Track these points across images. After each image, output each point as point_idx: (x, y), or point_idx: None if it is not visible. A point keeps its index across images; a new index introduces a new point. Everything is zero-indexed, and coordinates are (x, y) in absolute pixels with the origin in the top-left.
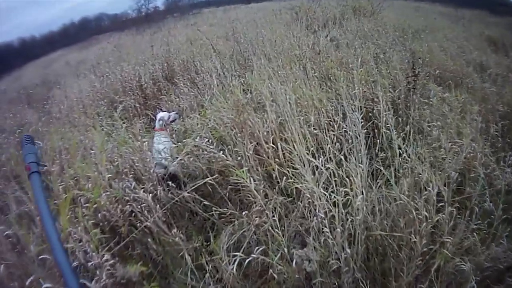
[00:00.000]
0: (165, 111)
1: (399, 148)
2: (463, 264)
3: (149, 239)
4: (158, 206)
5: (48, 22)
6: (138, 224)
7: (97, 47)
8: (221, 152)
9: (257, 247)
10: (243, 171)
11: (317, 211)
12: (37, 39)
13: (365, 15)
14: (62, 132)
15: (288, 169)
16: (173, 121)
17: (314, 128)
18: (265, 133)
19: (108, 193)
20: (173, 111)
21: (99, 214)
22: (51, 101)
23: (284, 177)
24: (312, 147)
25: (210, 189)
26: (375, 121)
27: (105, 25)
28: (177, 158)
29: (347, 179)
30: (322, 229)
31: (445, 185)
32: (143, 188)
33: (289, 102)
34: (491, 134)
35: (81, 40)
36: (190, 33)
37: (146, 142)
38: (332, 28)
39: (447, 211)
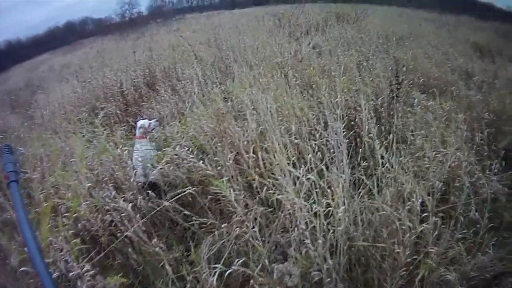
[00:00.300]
0: (145, 119)
1: (382, 157)
2: (448, 274)
3: (129, 249)
4: (138, 215)
5: (34, 25)
6: (119, 234)
7: (81, 51)
8: (201, 161)
9: (237, 259)
10: (222, 181)
11: (298, 222)
12: (23, 42)
13: (349, 22)
14: (44, 139)
15: (268, 179)
16: (153, 129)
17: (295, 138)
18: (245, 143)
19: (88, 202)
20: (154, 118)
21: (79, 224)
22: (34, 106)
23: (265, 187)
24: (293, 156)
25: (191, 199)
26: (358, 130)
27: (90, 29)
28: (157, 166)
29: (328, 189)
30: (303, 240)
31: (429, 195)
32: (123, 197)
33: (270, 111)
34: (476, 142)
35: (66, 44)
36: (173, 39)
37: (126, 151)
38: (315, 35)
39: (431, 221)
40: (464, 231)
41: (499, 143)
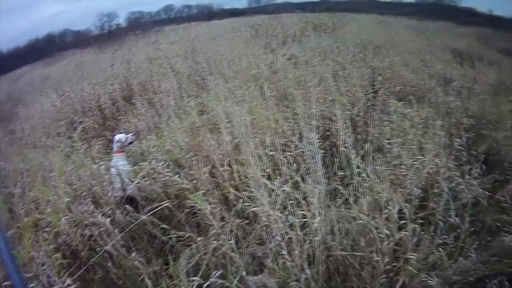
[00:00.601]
0: (122, 133)
1: (358, 167)
2: (430, 280)
3: (109, 263)
4: (116, 230)
5: (15, 37)
6: (98, 248)
7: (61, 64)
8: (177, 175)
9: (214, 271)
10: (197, 196)
11: (273, 234)
12: (4, 54)
13: (326, 31)
14: (24, 153)
15: (244, 192)
16: (130, 143)
17: (270, 150)
18: (220, 156)
19: (67, 217)
20: (131, 132)
21: (59, 239)
22: (15, 119)
23: (240, 200)
24: (268, 168)
25: (168, 212)
26: (333, 139)
27: (69, 41)
28: (134, 181)
29: (304, 200)
30: (280, 251)
31: (407, 202)
32: (101, 211)
33: (245, 124)
34: (455, 147)
35: (46, 56)
36: (151, 51)
37: (104, 165)
38: (291, 46)
39: (410, 228)
40: (444, 236)
41: (479, 147)
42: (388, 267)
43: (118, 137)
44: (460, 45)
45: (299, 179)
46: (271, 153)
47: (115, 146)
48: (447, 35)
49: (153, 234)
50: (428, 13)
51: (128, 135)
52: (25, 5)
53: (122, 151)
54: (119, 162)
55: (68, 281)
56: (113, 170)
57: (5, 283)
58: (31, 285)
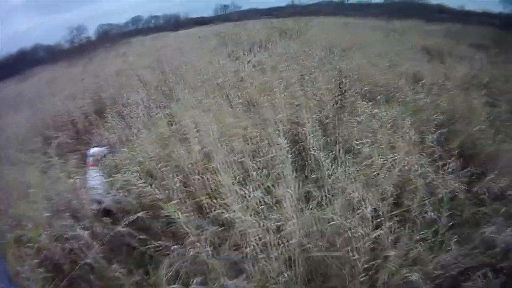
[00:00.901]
0: (96, 147)
1: (328, 169)
2: (411, 275)
3: (91, 276)
4: (95, 242)
5: None
6: (79, 261)
7: (33, 80)
8: (149, 186)
9: (193, 279)
10: (170, 205)
11: (248, 239)
12: None
13: (292, 37)
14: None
15: (216, 199)
16: (104, 156)
17: (239, 156)
18: (190, 165)
19: (47, 232)
20: (105, 146)
21: (41, 254)
22: None
23: (214, 208)
24: (239, 175)
25: (144, 223)
26: (302, 143)
27: (41, 56)
28: (109, 193)
29: (277, 204)
30: (256, 256)
31: (381, 201)
32: (80, 225)
33: (212, 132)
34: (426, 144)
35: (19, 72)
36: (119, 63)
37: (79, 179)
38: (258, 52)
39: (386, 225)
40: (422, 232)
41: (452, 142)
42: (366, 265)
43: (92, 151)
44: (429, 43)
45: (269, 184)
46: (240, 160)
47: (89, 160)
48: (416, 34)
49: (131, 245)
50: (396, 13)
51: (102, 148)
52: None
53: (96, 165)
54: (94, 175)
55: None
56: (88, 183)
57: None
58: None
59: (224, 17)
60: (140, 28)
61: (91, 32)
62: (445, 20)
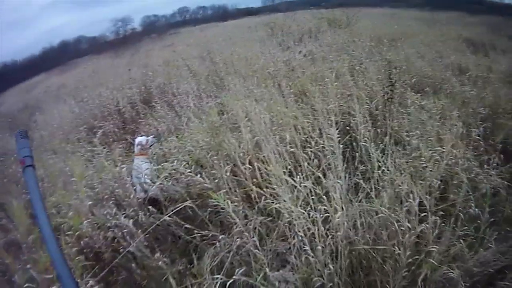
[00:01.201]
0: (143, 136)
1: (378, 160)
2: (451, 272)
3: (132, 264)
4: (139, 231)
5: (29, 46)
6: (121, 250)
7: (76, 71)
8: (199, 175)
9: (238, 269)
10: (219, 195)
11: (296, 230)
12: (19, 63)
13: (341, 27)
14: (43, 160)
15: (266, 189)
16: (151, 145)
17: (290, 146)
18: (241, 154)
19: (89, 220)
20: (151, 135)
21: (82, 242)
22: (33, 127)
23: (263, 197)
24: (289, 165)
25: (191, 212)
26: (353, 134)
27: (84, 48)
28: (156, 182)
29: (325, 196)
30: (303, 247)
31: (427, 194)
32: (124, 213)
33: (264, 121)
34: (472, 138)
35: (61, 64)
36: (167, 54)
37: (125, 168)
38: (307, 42)
39: (431, 220)
40: (465, 227)
41: (496, 137)
42: (410, 260)
43: (138, 140)
44: (472, 35)
45: (320, 174)
46: (291, 149)
47: (136, 149)
48: (459, 25)
49: (177, 234)
50: (438, 4)
51: (149, 137)
52: (37, 15)
53: (144, 154)
54: (141, 164)
55: (91, 282)
56: (134, 172)
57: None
58: (53, 287)
59: (272, 7)
60: (188, 19)
61: (136, 24)
62: (486, 12)
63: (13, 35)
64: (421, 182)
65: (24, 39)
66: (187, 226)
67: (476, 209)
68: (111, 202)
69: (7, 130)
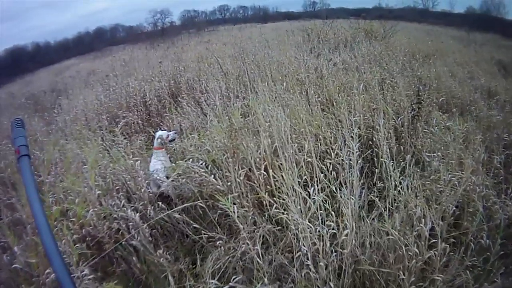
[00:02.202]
0: (164, 130)
1: (395, 179)
2: None
3: (133, 258)
4: (145, 225)
5: (63, 29)
6: (124, 243)
7: (109, 58)
8: (212, 176)
9: (234, 276)
10: (228, 199)
11: (300, 244)
12: (52, 45)
13: (377, 39)
14: (61, 144)
15: (277, 198)
16: (172, 140)
17: (308, 156)
18: (257, 159)
19: (96, 209)
20: (173, 130)
21: (84, 230)
22: (58, 110)
23: (274, 206)
24: (305, 175)
25: (201, 212)
26: (376, 149)
27: (120, 36)
28: (169, 178)
29: (334, 212)
30: (305, 262)
31: (441, 219)
32: (132, 206)
33: (284, 128)
34: (493, 165)
35: (95, 50)
36: (203, 50)
37: (139, 161)
38: (343, 51)
39: (440, 247)
40: (474, 258)
41: None
42: (413, 286)
43: (159, 133)
44: (505, 58)
45: (333, 188)
46: (308, 159)
47: (156, 143)
48: (493, 47)
49: (184, 233)
50: (476, 24)
51: (170, 132)
52: None
53: (162, 148)
54: (159, 158)
55: (86, 270)
56: (151, 166)
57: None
58: (47, 271)
59: (312, 13)
60: (228, 18)
61: (175, 17)
62: None
63: (48, 17)
64: (436, 206)
65: (59, 23)
66: (196, 225)
67: (488, 240)
68: (121, 194)
69: (32, 111)
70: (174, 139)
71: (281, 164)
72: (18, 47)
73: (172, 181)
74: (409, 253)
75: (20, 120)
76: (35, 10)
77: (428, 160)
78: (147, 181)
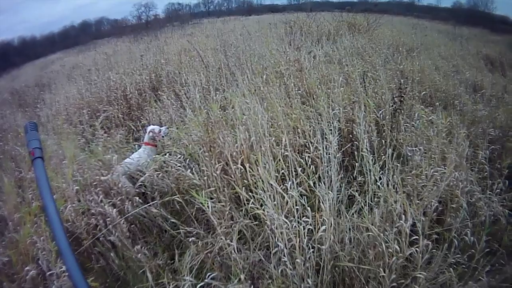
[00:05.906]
0: (155, 125)
1: (374, 174)
2: None
3: (111, 253)
4: (123, 221)
5: (50, 23)
6: (102, 238)
7: (93, 52)
8: (189, 170)
9: (209, 273)
10: (200, 194)
11: (276, 240)
12: (38, 39)
13: (360, 32)
14: (42, 140)
15: (253, 193)
16: (164, 136)
17: (285, 149)
18: (234, 153)
19: (74, 204)
20: (164, 126)
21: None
22: (41, 105)
23: (251, 200)
24: (282, 169)
25: (178, 207)
26: (356, 142)
27: (105, 29)
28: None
29: (312, 207)
30: (281, 258)
31: (422, 215)
32: (110, 201)
33: (261, 122)
34: (478, 160)
35: (80, 43)
36: (185, 43)
37: (116, 156)
38: (325, 44)
39: (422, 243)
40: (457, 255)
41: (504, 161)
42: (394, 284)
43: (151, 127)
44: (492, 52)
45: (311, 183)
46: (286, 153)
47: (146, 137)
48: (480, 42)
49: (163, 228)
50: (463, 19)
51: (162, 127)
52: None
53: (153, 144)
54: (143, 154)
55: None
56: (132, 158)
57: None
58: (26, 268)
59: (297, 6)
60: (212, 11)
61: (159, 10)
62: (508, 32)
63: (38, 10)
64: (418, 202)
65: (49, 16)
66: (173, 220)
67: (472, 237)
68: (99, 189)
69: (16, 106)
70: (166, 134)
71: (256, 157)
72: (5, 42)
73: (148, 175)
74: (390, 249)
75: (34, 124)
76: (25, 3)
77: (409, 154)
78: (117, 173)
